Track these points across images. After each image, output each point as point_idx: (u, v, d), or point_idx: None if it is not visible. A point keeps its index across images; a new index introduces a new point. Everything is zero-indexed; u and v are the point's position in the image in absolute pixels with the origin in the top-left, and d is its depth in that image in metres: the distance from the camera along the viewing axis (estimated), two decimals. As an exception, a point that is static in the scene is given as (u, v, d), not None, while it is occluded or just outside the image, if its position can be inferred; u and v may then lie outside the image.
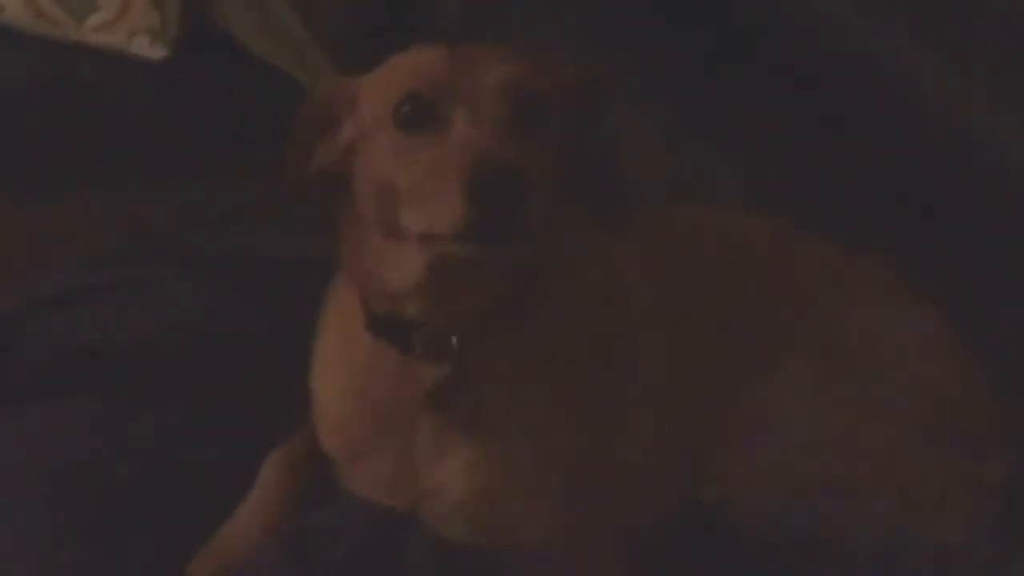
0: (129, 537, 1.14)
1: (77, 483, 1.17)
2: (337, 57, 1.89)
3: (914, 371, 1.19)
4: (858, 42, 1.54)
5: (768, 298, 1.22)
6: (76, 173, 1.70)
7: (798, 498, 1.16)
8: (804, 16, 1.56)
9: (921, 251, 1.40)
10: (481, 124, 1.01)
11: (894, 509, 1.14)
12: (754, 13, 1.59)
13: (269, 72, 1.90)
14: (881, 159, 1.53)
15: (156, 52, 1.93)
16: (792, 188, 1.52)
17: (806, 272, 1.25)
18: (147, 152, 1.75)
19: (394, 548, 1.13)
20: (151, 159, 1.74)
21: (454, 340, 1.09)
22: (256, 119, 1.77)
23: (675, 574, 1.16)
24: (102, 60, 1.90)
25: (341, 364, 1.16)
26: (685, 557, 1.16)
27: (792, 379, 1.19)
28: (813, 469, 1.16)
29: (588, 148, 1.10)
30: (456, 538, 1.14)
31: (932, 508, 1.14)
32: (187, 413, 1.26)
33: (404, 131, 1.03)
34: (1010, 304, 1.40)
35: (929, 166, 1.51)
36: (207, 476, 1.20)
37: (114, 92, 1.86)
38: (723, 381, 1.19)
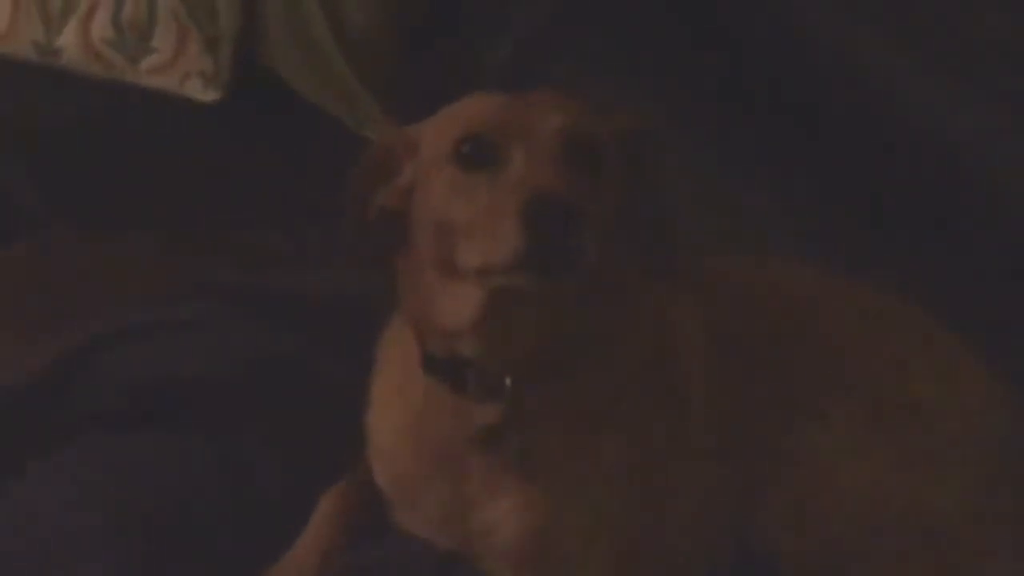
0: (186, 573, 1.16)
1: (135, 520, 1.19)
2: (387, 102, 1.92)
3: (961, 420, 1.19)
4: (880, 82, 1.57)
5: (815, 345, 1.23)
6: (133, 213, 1.72)
7: (846, 546, 1.16)
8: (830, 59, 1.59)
9: (954, 287, 1.42)
10: (539, 163, 1.03)
11: (944, 558, 1.14)
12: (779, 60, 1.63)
13: (320, 116, 1.93)
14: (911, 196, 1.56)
15: (209, 95, 1.96)
16: (835, 228, 1.54)
17: (851, 320, 1.26)
18: (202, 193, 1.77)
19: (445, 587, 1.14)
20: (206, 200, 1.76)
21: (508, 381, 1.10)
22: (307, 162, 1.82)
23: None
24: (160, 101, 1.93)
25: (396, 402, 1.17)
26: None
27: (838, 426, 1.20)
28: (860, 516, 1.16)
29: (640, 195, 1.12)
30: (505, 579, 1.15)
31: (983, 556, 1.14)
32: (244, 450, 1.28)
33: (464, 169, 1.06)
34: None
35: (959, 203, 1.53)
36: (264, 512, 1.21)
37: (171, 133, 1.89)
38: (771, 429, 1.19)
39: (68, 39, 1.96)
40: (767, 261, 1.34)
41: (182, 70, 1.96)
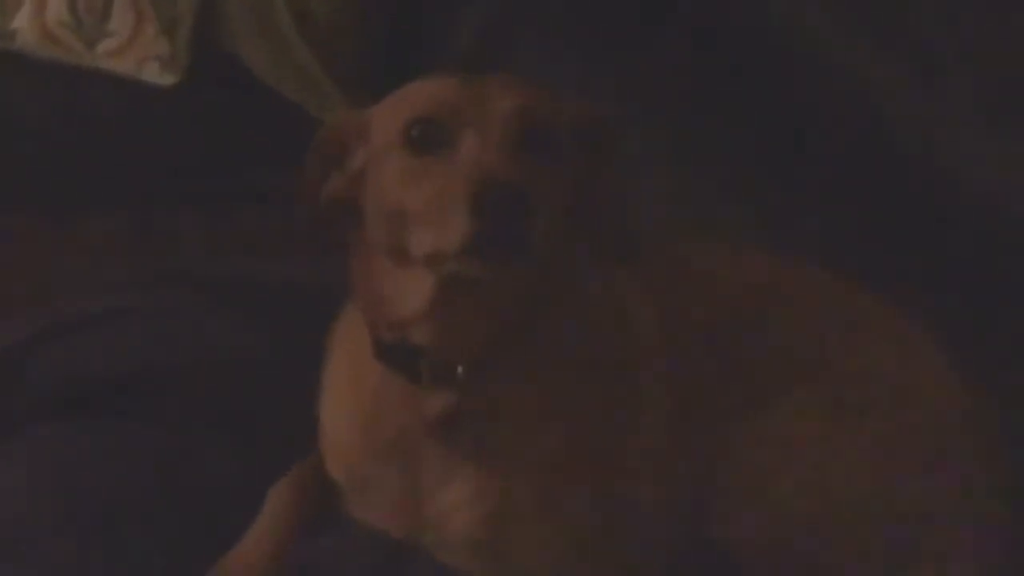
0: (136, 563, 1.14)
1: (85, 509, 1.17)
2: (347, 88, 1.91)
3: (918, 407, 1.19)
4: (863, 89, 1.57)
5: (773, 331, 1.23)
6: (89, 198, 1.71)
7: (802, 533, 1.16)
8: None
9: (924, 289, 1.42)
10: (489, 147, 1.02)
11: (898, 545, 1.14)
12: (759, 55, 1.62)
13: (280, 100, 1.91)
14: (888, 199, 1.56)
15: (166, 79, 1.93)
16: (799, 226, 1.53)
17: (810, 305, 1.26)
18: (160, 178, 1.76)
19: (398, 576, 1.13)
20: (164, 185, 1.75)
21: (460, 369, 1.09)
22: (266, 146, 1.80)
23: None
24: (117, 84, 1.91)
25: (349, 391, 1.16)
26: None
27: (796, 412, 1.19)
28: (817, 503, 1.16)
29: (595, 183, 1.11)
30: (460, 568, 1.14)
31: (937, 544, 1.14)
32: (195, 439, 1.27)
33: (413, 153, 1.04)
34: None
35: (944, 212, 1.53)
36: (215, 502, 1.20)
37: (128, 117, 1.87)
38: (727, 414, 1.19)
39: (23, 22, 1.94)
40: (723, 248, 1.33)
41: (139, 53, 1.94)
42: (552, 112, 1.08)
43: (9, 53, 1.92)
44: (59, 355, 1.35)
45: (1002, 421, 1.22)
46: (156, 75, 1.93)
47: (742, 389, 1.20)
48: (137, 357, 1.35)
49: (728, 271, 1.27)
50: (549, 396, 1.12)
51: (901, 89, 1.56)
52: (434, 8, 1.92)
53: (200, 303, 1.43)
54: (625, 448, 1.16)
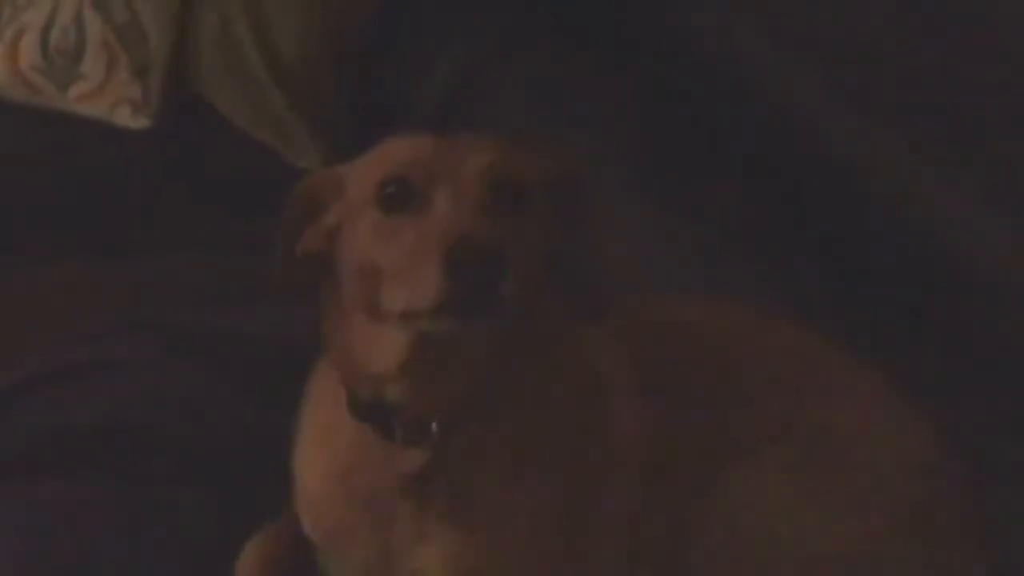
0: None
1: (60, 565, 1.17)
2: (321, 132, 1.91)
3: (891, 469, 1.19)
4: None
5: (745, 385, 1.23)
6: (59, 242, 1.70)
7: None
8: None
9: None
10: (461, 206, 1.03)
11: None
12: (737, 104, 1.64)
13: (253, 145, 1.92)
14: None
15: (138, 122, 1.94)
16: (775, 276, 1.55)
17: (786, 362, 1.26)
18: (133, 223, 1.75)
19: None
20: (136, 230, 1.74)
21: (434, 426, 1.09)
22: (242, 192, 1.80)
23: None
24: (93, 126, 1.91)
25: (323, 447, 1.16)
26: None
27: (768, 466, 1.20)
28: (789, 557, 1.16)
29: (567, 237, 1.12)
30: (433, 627, 1.13)
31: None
32: (168, 495, 1.26)
33: (387, 212, 1.05)
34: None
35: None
36: (187, 559, 1.19)
37: (99, 160, 1.87)
38: (702, 468, 1.19)
39: (-6, 65, 1.94)
40: (695, 299, 1.34)
41: (111, 97, 1.94)
42: (524, 168, 1.08)
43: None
44: (30, 408, 1.34)
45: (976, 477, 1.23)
46: (128, 119, 1.93)
47: (716, 442, 1.20)
48: (109, 413, 1.34)
49: (699, 324, 1.28)
50: (523, 452, 1.12)
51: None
52: (407, 52, 1.93)
53: (172, 356, 1.42)
54: (600, 502, 1.16)
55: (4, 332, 1.51)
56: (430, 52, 1.89)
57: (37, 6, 1.92)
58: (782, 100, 1.61)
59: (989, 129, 1.50)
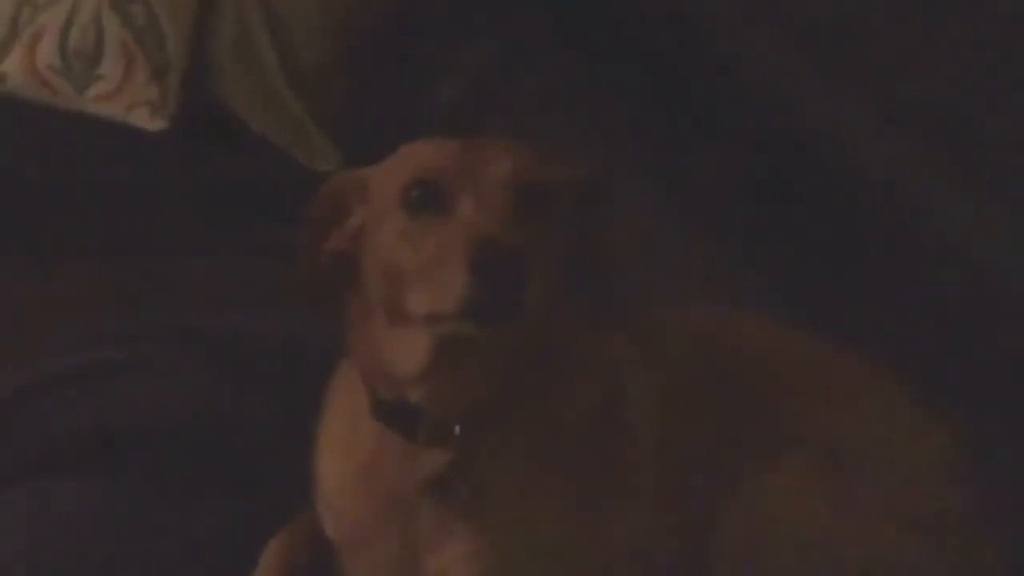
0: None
1: (74, 569, 1.17)
2: (336, 137, 1.92)
3: (910, 474, 1.20)
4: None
5: (767, 394, 1.24)
6: (75, 244, 1.70)
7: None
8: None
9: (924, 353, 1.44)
10: (486, 210, 1.04)
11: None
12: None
13: (270, 149, 1.92)
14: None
15: (155, 124, 1.95)
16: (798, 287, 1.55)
17: (802, 371, 1.27)
18: (148, 226, 1.75)
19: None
20: (152, 234, 1.74)
21: (456, 428, 1.10)
22: (257, 196, 1.80)
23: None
24: (106, 129, 1.91)
25: (345, 448, 1.16)
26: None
27: (787, 469, 1.20)
28: (804, 557, 1.17)
29: (588, 244, 1.13)
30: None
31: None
32: (187, 497, 1.26)
33: (412, 215, 1.06)
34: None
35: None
36: (208, 561, 1.19)
37: (114, 162, 1.87)
38: (721, 470, 1.20)
39: (13, 65, 1.94)
40: (714, 310, 1.34)
41: (129, 99, 1.95)
42: (548, 173, 1.09)
43: (-3, 96, 1.93)
44: (46, 410, 1.34)
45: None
46: (145, 120, 1.94)
47: (735, 446, 1.21)
48: (125, 415, 1.34)
49: (718, 333, 1.28)
50: (544, 455, 1.13)
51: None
52: (424, 56, 1.94)
53: (187, 357, 1.42)
54: (618, 504, 1.16)
55: (21, 333, 1.51)
56: (445, 59, 1.90)
57: (56, 7, 1.93)
58: (803, 112, 1.61)
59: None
